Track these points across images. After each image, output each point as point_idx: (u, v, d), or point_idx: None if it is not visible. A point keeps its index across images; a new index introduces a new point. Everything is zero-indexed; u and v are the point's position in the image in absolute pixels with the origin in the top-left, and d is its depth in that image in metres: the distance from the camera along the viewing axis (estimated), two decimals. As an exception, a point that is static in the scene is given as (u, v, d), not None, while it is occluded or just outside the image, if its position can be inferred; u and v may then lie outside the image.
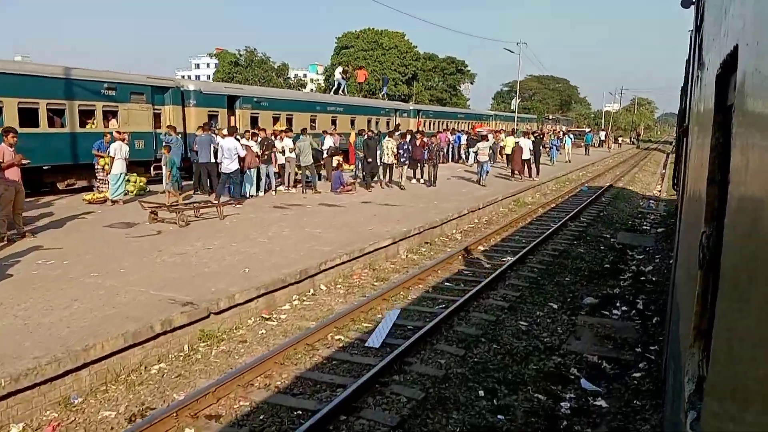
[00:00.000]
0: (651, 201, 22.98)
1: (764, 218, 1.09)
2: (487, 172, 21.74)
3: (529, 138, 23.05)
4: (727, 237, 1.62)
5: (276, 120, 24.64)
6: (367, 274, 9.86)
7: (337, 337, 7.05)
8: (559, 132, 34.27)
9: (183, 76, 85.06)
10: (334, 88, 37.49)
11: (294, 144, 16.63)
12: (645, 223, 17.79)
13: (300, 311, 7.86)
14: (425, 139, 19.08)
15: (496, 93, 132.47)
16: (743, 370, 1.21)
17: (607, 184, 26.09)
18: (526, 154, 22.49)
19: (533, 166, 22.98)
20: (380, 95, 47.73)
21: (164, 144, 14.63)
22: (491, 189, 19.40)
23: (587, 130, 68.88)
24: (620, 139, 75.18)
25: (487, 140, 24.26)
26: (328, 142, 19.88)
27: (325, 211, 13.69)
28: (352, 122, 30.00)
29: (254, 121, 23.29)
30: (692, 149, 4.34)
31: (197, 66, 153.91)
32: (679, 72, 11.67)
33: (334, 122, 28.42)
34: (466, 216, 15.05)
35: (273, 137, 20.60)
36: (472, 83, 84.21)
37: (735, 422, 1.26)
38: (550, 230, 14.35)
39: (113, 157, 13.50)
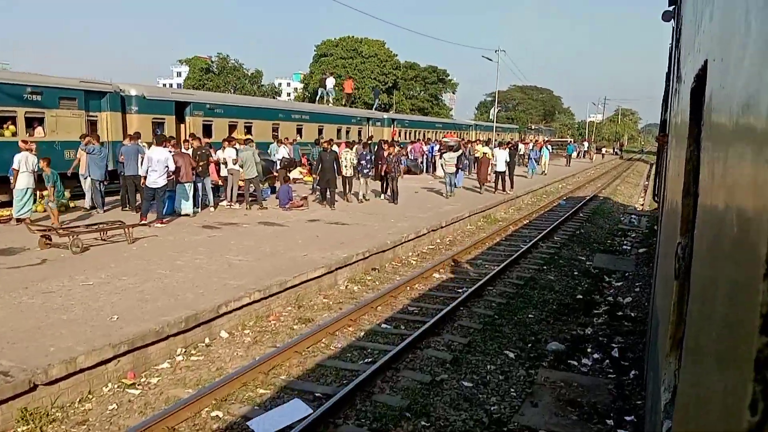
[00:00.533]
0: (633, 216, 21.56)
1: (726, 230, 1.12)
2: (455, 185, 20.20)
3: (504, 149, 21.53)
4: (696, 248, 1.68)
5: (233, 128, 22.91)
6: (288, 314, 8.16)
7: (214, 413, 5.33)
8: (540, 143, 32.81)
9: (164, 84, 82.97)
10: (318, 97, 37.13)
11: (238, 155, 14.91)
12: (625, 242, 16.30)
13: (181, 372, 6.13)
14: (392, 150, 17.31)
15: (479, 103, 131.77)
16: (709, 379, 1.24)
17: (587, 197, 24.68)
18: (501, 166, 20.97)
19: (507, 178, 21.45)
20: (374, 108, 47.78)
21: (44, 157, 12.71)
22: (460, 204, 17.81)
23: (570, 140, 67.97)
24: (604, 149, 74.44)
25: (455, 150, 22.75)
26: (281, 152, 18.19)
27: (261, 232, 11.98)
28: (320, 131, 28.37)
29: (207, 129, 21.56)
30: (670, 161, 4.32)
31: (179, 74, 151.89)
32: (661, 83, 10.90)
33: (299, 131, 26.77)
34: (426, 236, 13.42)
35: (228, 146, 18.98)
36: (453, 93, 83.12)
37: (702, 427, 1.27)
38: (519, 252, 12.77)
39: (17, 170, 11.69)
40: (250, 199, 15.03)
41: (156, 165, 12.11)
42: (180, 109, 20.67)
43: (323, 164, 15.01)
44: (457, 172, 25.19)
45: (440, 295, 9.53)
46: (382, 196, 17.90)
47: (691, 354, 1.56)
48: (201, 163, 14.16)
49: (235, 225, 12.58)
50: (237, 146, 16.25)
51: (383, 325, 7.98)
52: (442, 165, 22.44)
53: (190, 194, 13.45)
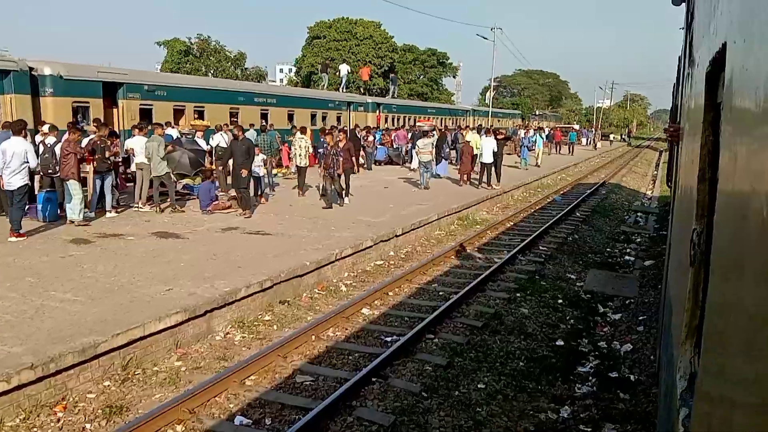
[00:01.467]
0: (638, 214, 18.55)
1: (752, 215, 1.10)
2: (437, 175, 17.36)
3: (490, 136, 18.49)
4: (716, 234, 1.63)
5: (180, 113, 20.02)
6: (98, 397, 5.31)
7: None
8: (529, 129, 29.63)
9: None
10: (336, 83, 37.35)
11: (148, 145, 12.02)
12: (628, 249, 13.34)
13: None
14: (330, 140, 14.13)
15: (483, 88, 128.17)
16: (732, 366, 1.22)
17: (588, 191, 21.65)
18: (487, 157, 17.95)
19: (494, 171, 18.45)
20: (390, 95, 46.22)
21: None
22: (433, 202, 14.88)
23: (575, 126, 64.53)
24: (612, 136, 70.77)
25: (430, 136, 19.80)
26: (216, 140, 15.29)
27: (142, 248, 9.12)
28: (291, 117, 25.42)
29: (146, 114, 18.66)
30: (683, 146, 4.23)
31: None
32: (672, 67, 9.94)
33: (264, 116, 23.82)
34: (373, 248, 10.54)
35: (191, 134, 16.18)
36: (454, 76, 79.56)
37: (725, 419, 1.25)
38: (489, 271, 9.86)
39: None
40: (159, 199, 12.18)
41: (12, 160, 9.27)
42: (111, 91, 17.80)
43: (234, 157, 11.96)
44: (438, 161, 22.38)
45: (355, 352, 6.63)
46: (347, 199, 14.69)
47: (711, 342, 1.55)
48: (96, 157, 11.31)
49: (117, 237, 9.73)
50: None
51: (238, 419, 5.11)
52: (416, 153, 19.55)
53: (76, 195, 10.59)
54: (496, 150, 17.89)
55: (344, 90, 39.22)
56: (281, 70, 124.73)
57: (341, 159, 12.98)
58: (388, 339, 6.97)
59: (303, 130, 17.22)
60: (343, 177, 13.85)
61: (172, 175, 12.28)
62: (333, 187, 13.18)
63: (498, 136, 19.26)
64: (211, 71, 45.96)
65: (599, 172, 30.86)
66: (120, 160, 12.57)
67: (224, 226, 10.91)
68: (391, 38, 66.38)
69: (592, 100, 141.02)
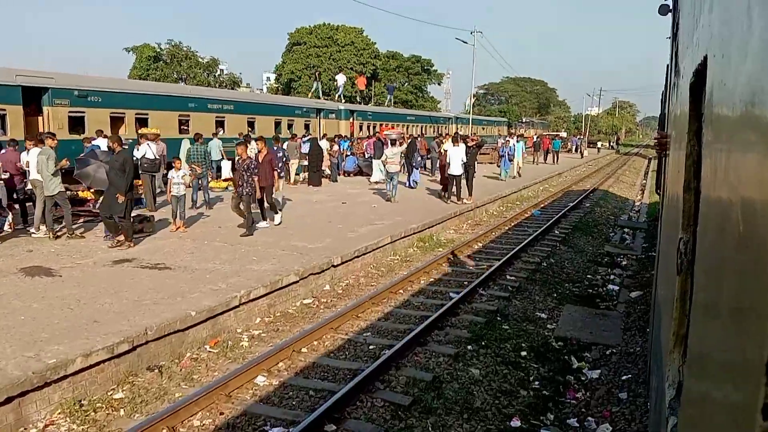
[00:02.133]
0: (625, 230, 16.77)
1: (730, 225, 1.12)
2: (413, 185, 15.53)
3: (458, 145, 16.64)
4: (699, 243, 1.68)
5: (118, 121, 18.07)
6: None
7: None
8: (508, 138, 27.82)
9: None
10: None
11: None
12: (613, 275, 11.52)
13: None
14: (242, 152, 11.98)
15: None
16: (715, 374, 1.23)
17: (570, 204, 19.85)
18: (456, 168, 16.07)
19: (464, 183, 16.60)
20: (386, 104, 47.65)
21: None
22: (389, 222, 12.99)
23: (563, 134, 63.07)
24: (599, 143, 69.39)
25: (397, 145, 17.98)
26: (142, 151, 13.35)
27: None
28: (251, 124, 23.53)
29: (77, 122, 16.72)
30: (671, 155, 4.29)
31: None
32: (661, 74, 9.54)
33: (220, 124, 21.92)
34: (300, 284, 8.61)
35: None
36: (439, 84, 78.11)
37: (711, 428, 1.26)
38: (439, 313, 7.96)
39: None
40: (53, 221, 10.19)
41: None
42: (35, 97, 15.83)
43: (108, 176, 9.73)
44: (410, 170, 20.52)
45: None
46: (277, 218, 12.61)
47: (695, 353, 1.56)
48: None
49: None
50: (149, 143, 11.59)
51: None
52: (382, 163, 17.76)
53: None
54: (465, 160, 16.02)
55: (341, 100, 39.00)
56: (268, 78, 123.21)
57: (256, 176, 10.91)
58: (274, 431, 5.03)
59: (248, 140, 15.42)
60: (266, 194, 11.78)
61: (65, 194, 10.27)
62: (247, 209, 11.09)
63: (469, 144, 17.43)
64: (182, 78, 43.97)
65: (584, 182, 29.13)
66: (6, 176, 10.56)
67: (118, 258, 8.93)
68: (374, 44, 64.81)
69: (580, 107, 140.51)
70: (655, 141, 7.15)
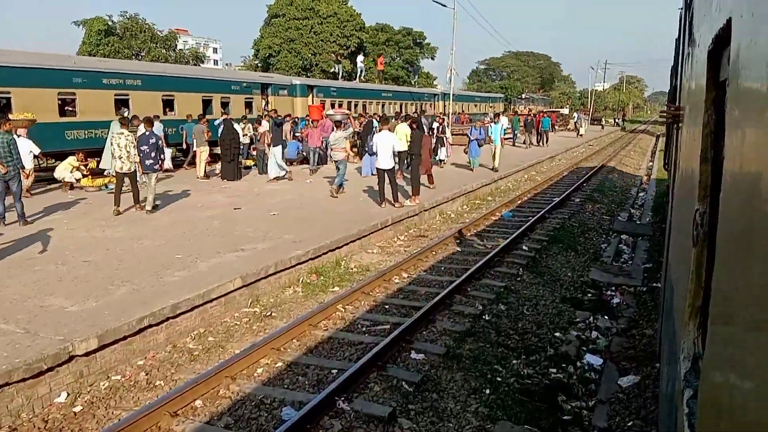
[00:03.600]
0: (623, 239, 12.58)
1: (760, 194, 1.10)
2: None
3: (386, 128, 12.28)
4: (722, 214, 1.62)
5: (-40, 101, 13.90)
6: None
7: None
8: (485, 119, 23.32)
9: None
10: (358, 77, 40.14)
11: None
12: (595, 332, 7.38)
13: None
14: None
15: (471, 71, 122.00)
16: (740, 347, 1.23)
17: (555, 199, 15.60)
18: (385, 161, 11.80)
19: (403, 176, 12.39)
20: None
21: None
22: (271, 242, 8.87)
23: (564, 111, 58.25)
24: (603, 120, 64.32)
25: (343, 128, 13.85)
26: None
27: None
28: (169, 104, 19.35)
29: None
30: (684, 127, 4.25)
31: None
32: (669, 49, 9.34)
33: (124, 103, 17.75)
34: (143, 336, 4.52)
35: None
36: (432, 58, 73.11)
37: (732, 399, 1.27)
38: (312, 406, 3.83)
39: None
40: None
41: None
42: None
43: None
44: (361, 157, 16.35)
45: None
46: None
47: (717, 322, 1.56)
48: None
49: None
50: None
51: None
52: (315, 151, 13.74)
53: None
54: (399, 150, 11.79)
55: (362, 80, 38.65)
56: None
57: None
58: None
59: (125, 123, 11.37)
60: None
61: None
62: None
63: (413, 126, 13.17)
64: (137, 54, 39.57)
65: (579, 167, 24.73)
66: None
67: None
68: (359, 15, 59.81)
69: (587, 83, 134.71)
70: (663, 114, 6.98)
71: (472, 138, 17.94)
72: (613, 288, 9.14)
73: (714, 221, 1.88)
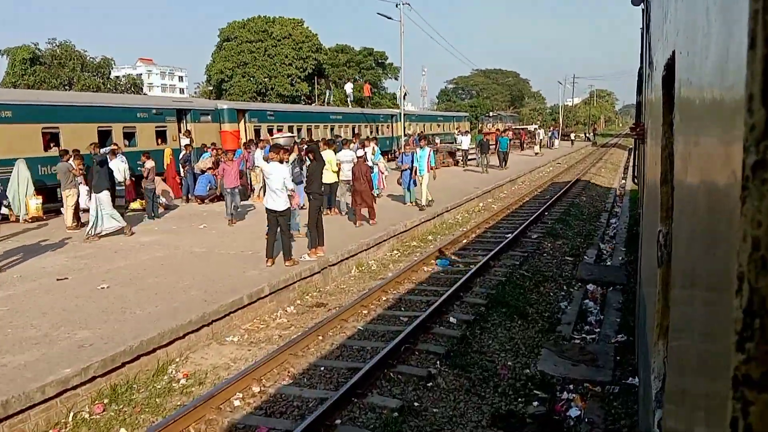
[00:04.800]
0: (590, 291, 9.72)
1: (700, 217, 1.14)
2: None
3: (277, 158, 9.30)
4: (675, 235, 1.64)
5: None
6: None
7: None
8: (411, 142, 20.44)
9: None
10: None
11: None
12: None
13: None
14: None
15: (440, 91, 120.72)
16: (695, 367, 1.23)
17: (508, 235, 12.71)
18: (275, 201, 8.79)
19: (292, 227, 9.38)
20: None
21: None
22: (122, 322, 5.74)
23: (531, 128, 56.14)
24: (572, 135, 62.26)
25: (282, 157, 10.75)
26: None
27: None
28: (53, 137, 16.20)
29: None
30: (647, 146, 4.26)
31: (117, 78, 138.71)
32: (636, 62, 8.75)
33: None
34: None
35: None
36: (396, 78, 70.81)
37: (692, 420, 1.26)
38: None
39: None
40: None
41: None
42: None
43: None
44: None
45: None
46: None
47: (675, 342, 1.56)
48: None
49: None
50: None
51: None
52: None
53: None
54: (327, 180, 8.87)
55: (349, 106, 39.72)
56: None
57: None
58: None
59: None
60: None
61: None
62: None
63: (304, 154, 10.24)
64: (65, 84, 36.30)
65: (544, 190, 22.03)
66: None
67: None
68: (315, 36, 57.33)
69: (556, 98, 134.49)
70: (631, 129, 7.48)
71: (403, 167, 14.93)
72: (571, 387, 6.19)
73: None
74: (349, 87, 43.27)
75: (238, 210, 13.58)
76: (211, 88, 57.44)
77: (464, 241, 12.96)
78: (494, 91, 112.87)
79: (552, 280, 10.12)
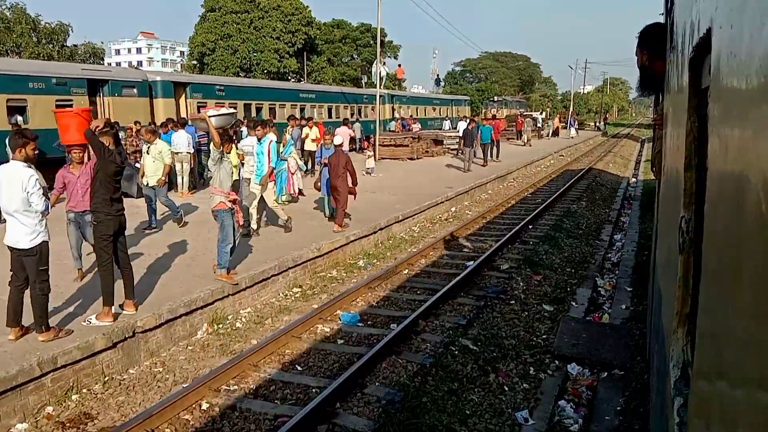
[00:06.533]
0: (575, 365, 5.94)
1: (744, 201, 1.10)
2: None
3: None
4: (707, 221, 1.62)
5: None
6: None
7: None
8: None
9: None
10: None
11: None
12: None
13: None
14: None
15: (447, 73, 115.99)
16: (729, 353, 1.23)
17: (468, 265, 8.92)
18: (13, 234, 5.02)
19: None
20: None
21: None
22: None
23: (535, 114, 51.79)
24: (574, 124, 57.14)
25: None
26: None
27: None
28: None
29: None
30: (668, 133, 4.21)
31: (117, 52, 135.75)
32: None
33: None
34: None
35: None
36: (395, 57, 66.60)
37: (722, 406, 1.26)
38: None
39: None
40: None
41: None
42: None
43: None
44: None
45: None
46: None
47: (705, 329, 1.58)
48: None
49: None
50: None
51: None
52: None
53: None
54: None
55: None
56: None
57: None
58: None
59: None
60: None
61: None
62: None
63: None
64: (13, 50, 32.48)
65: (537, 191, 18.10)
66: None
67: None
68: (306, 9, 53.00)
69: (569, 85, 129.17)
70: (654, 120, 6.52)
71: (323, 161, 10.81)
72: None
73: (700, 228, 1.92)
74: (382, 70, 40.30)
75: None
76: (194, 62, 53.45)
77: (405, 271, 9.16)
78: (503, 75, 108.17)
79: (513, 358, 6.32)
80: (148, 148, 9.81)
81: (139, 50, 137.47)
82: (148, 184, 9.88)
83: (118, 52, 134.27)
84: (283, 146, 10.84)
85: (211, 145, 7.41)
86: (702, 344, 1.62)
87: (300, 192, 12.22)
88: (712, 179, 1.54)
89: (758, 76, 1.03)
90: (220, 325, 6.71)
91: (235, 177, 9.52)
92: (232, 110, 8.82)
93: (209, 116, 7.61)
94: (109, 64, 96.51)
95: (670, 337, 2.61)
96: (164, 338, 6.10)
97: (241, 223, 7.34)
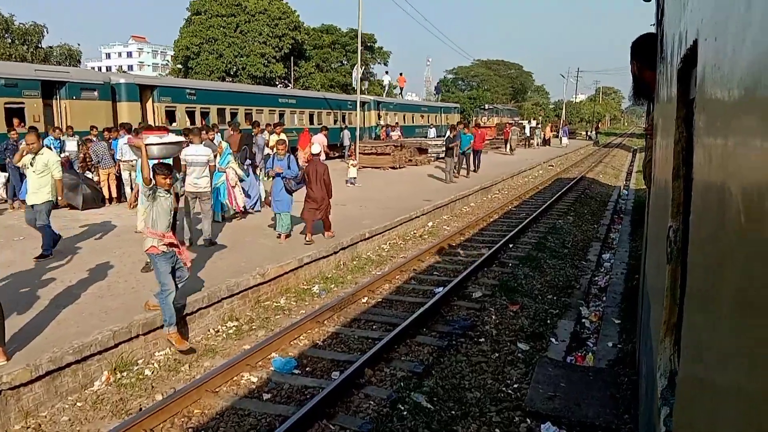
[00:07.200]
0: (549, 425, 4.78)
1: (729, 212, 1.09)
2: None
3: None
4: (693, 231, 1.61)
5: None
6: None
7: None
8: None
9: (92, 68, 62.97)
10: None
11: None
12: None
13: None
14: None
15: (439, 81, 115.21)
16: (713, 363, 1.21)
17: (433, 293, 7.79)
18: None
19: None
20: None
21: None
22: None
23: (525, 123, 50.87)
24: (561, 133, 55.74)
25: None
26: None
27: None
28: None
29: None
30: (657, 143, 4.22)
31: (108, 56, 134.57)
32: None
33: None
34: None
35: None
36: (385, 63, 65.69)
37: (707, 417, 1.24)
38: None
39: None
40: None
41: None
42: None
43: None
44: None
45: None
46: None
47: (691, 338, 1.54)
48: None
49: None
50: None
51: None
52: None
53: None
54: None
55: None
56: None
57: None
58: None
59: None
60: None
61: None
62: None
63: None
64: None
65: (521, 204, 17.03)
66: None
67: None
68: (294, 13, 51.95)
69: (561, 94, 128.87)
70: (645, 131, 6.98)
71: (279, 174, 9.66)
72: None
73: (686, 238, 1.90)
74: (386, 79, 43.60)
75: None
76: (179, 66, 52.25)
77: (363, 299, 8.04)
78: (495, 83, 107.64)
79: (475, 418, 5.19)
80: (32, 158, 7.76)
81: (129, 54, 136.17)
82: (29, 203, 8.04)
83: (108, 55, 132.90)
84: (220, 156, 9.69)
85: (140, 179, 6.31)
86: (687, 354, 1.60)
87: (244, 209, 11.02)
88: (697, 189, 1.57)
89: (740, 88, 1.07)
90: (125, 373, 5.55)
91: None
92: (179, 139, 7.54)
93: (147, 144, 6.50)
94: (101, 69, 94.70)
95: (657, 346, 2.60)
96: (46, 393, 4.94)
97: (188, 264, 6.18)
